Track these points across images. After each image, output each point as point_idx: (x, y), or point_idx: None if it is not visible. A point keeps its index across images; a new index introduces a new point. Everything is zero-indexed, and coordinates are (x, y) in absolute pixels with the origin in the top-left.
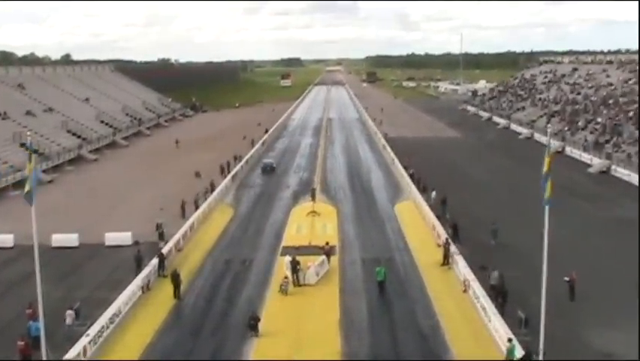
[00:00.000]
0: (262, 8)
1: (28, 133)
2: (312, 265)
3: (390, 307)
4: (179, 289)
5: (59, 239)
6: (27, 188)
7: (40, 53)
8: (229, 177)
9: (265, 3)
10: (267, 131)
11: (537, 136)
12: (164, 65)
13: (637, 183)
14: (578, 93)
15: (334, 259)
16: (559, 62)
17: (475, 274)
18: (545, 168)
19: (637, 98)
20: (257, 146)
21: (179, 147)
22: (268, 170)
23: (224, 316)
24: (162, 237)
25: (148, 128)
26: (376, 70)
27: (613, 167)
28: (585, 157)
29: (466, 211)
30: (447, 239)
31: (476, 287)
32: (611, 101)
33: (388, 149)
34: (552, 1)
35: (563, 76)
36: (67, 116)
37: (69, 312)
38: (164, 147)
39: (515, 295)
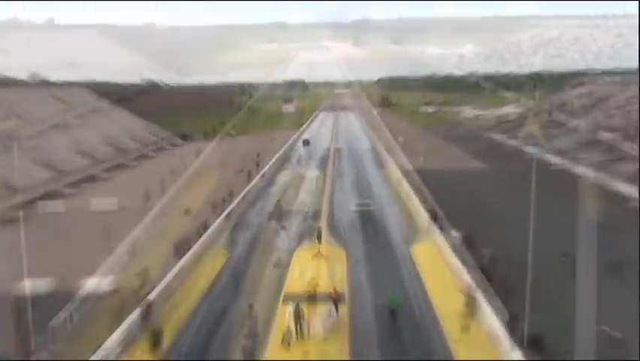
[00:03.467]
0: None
1: None
2: (317, 314)
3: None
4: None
5: (31, 286)
6: None
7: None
8: (223, 215)
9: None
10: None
11: (572, 166)
12: (149, 88)
13: None
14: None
15: (343, 307)
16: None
17: (503, 322)
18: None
19: None
20: (256, 179)
21: (172, 177)
22: (306, 144)
23: None
24: (148, 282)
25: (134, 160)
26: (390, 93)
27: None
28: (624, 189)
29: (493, 252)
30: (471, 285)
31: (503, 338)
32: None
33: (404, 182)
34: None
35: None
36: (38, 146)
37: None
38: (150, 181)
39: (550, 342)
